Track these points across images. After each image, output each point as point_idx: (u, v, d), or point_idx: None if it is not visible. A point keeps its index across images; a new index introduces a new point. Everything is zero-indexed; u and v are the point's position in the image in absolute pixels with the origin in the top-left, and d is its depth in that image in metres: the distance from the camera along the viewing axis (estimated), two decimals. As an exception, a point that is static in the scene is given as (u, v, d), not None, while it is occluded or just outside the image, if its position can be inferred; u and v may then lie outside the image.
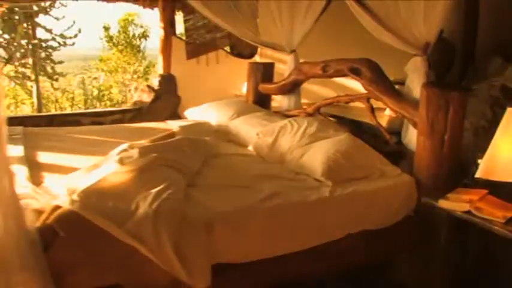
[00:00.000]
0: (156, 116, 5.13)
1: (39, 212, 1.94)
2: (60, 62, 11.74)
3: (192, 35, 5.96)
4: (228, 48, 6.17)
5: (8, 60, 10.87)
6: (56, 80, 10.77)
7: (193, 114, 4.35)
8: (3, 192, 1.64)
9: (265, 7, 4.71)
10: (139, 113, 5.54)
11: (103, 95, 11.68)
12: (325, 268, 2.57)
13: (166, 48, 5.87)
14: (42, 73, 11.14)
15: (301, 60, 4.25)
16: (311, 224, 2.44)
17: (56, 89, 11.01)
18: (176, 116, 5.40)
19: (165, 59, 5.85)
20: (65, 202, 1.92)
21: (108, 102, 11.56)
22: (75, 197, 1.94)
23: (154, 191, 2.03)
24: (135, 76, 12.53)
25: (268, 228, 2.27)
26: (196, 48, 5.93)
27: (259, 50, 5.78)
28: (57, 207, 1.91)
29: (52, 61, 11.44)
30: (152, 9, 6.42)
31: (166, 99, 5.62)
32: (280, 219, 2.33)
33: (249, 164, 2.98)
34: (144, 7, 6.30)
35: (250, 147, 3.36)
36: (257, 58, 5.91)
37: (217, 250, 2.07)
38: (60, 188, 2.27)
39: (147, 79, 13.13)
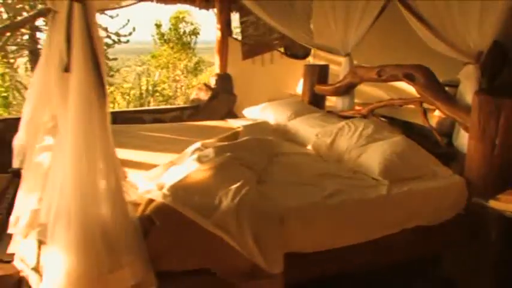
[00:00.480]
0: (212, 114, 5.42)
1: (134, 204, 2.24)
2: (115, 59, 12.19)
3: (247, 36, 6.21)
4: (282, 49, 6.40)
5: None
6: (112, 76, 11.19)
7: (252, 113, 4.62)
8: (111, 187, 1.93)
9: (319, 9, 4.91)
10: (196, 110, 5.84)
11: (156, 91, 12.08)
12: (381, 260, 2.79)
13: (223, 48, 6.15)
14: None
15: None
16: (370, 219, 2.67)
17: (111, 85, 11.45)
18: (232, 114, 5.68)
19: (221, 59, 6.13)
20: (158, 196, 2.21)
21: (160, 98, 11.95)
22: (165, 191, 2.23)
23: (233, 187, 2.31)
24: (185, 72, 12.89)
25: (332, 222, 2.52)
26: (252, 48, 6.17)
27: (312, 51, 5.98)
28: (151, 200, 2.21)
29: (107, 58, 11.89)
30: (207, 10, 6.69)
31: (223, 97, 5.89)
32: (342, 214, 2.57)
33: (309, 163, 3.22)
34: (200, 8, 6.56)
35: (309, 147, 3.59)
36: (310, 59, 6.11)
37: (288, 240, 2.33)
38: (144, 182, 2.57)
39: (196, 75, 13.50)
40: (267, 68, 6.19)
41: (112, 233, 1.91)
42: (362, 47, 4.51)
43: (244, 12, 6.08)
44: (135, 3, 3.39)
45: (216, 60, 6.20)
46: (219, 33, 6.16)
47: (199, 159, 2.59)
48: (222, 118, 4.91)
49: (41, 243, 2.01)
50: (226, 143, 3.00)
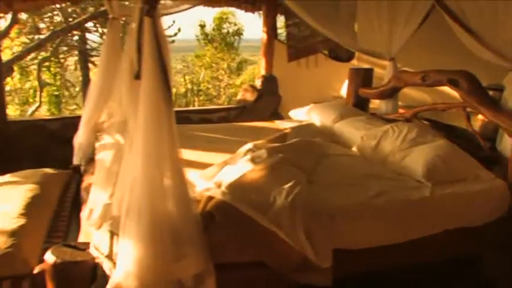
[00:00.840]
0: (258, 115, 5.60)
1: (194, 201, 2.43)
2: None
3: (293, 38, 6.37)
4: (326, 52, 6.53)
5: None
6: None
7: (298, 115, 4.78)
8: (176, 184, 2.13)
9: (364, 13, 5.02)
10: (243, 111, 6.03)
11: (199, 90, 12.36)
12: (422, 259, 2.91)
13: (269, 50, 6.33)
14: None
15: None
16: (413, 220, 2.79)
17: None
18: (277, 114, 5.86)
19: (267, 61, 6.31)
20: (217, 194, 2.40)
21: (204, 97, 12.22)
22: (224, 189, 2.42)
23: (286, 186, 2.47)
24: (227, 72, 13.12)
25: (377, 221, 2.66)
26: (297, 51, 6.34)
27: (356, 54, 6.10)
28: (211, 197, 2.40)
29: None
30: (253, 13, 6.87)
31: (268, 98, 6.08)
32: (387, 213, 2.71)
33: (355, 164, 3.36)
34: (246, 11, 6.74)
35: (354, 148, 3.73)
36: (355, 62, 6.23)
37: (337, 237, 2.49)
38: (200, 181, 2.77)
39: (239, 75, 13.71)
40: (312, 70, 6.34)
41: (177, 227, 2.10)
42: (405, 50, 4.61)
43: (289, 15, 6.24)
44: (190, 7, 3.59)
45: (262, 62, 6.38)
46: (265, 36, 6.33)
47: (253, 160, 2.76)
48: (267, 119, 5.08)
49: (113, 234, 2.22)
50: (277, 144, 3.17)
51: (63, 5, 9.68)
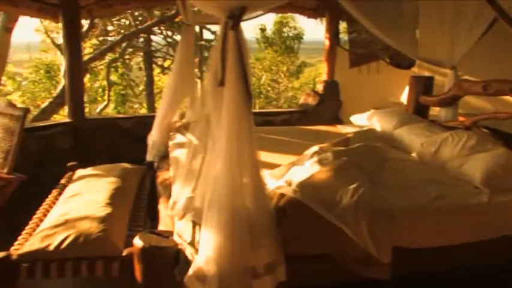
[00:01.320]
0: (319, 119, 5.79)
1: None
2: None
3: (355, 45, 6.53)
4: (387, 59, 6.64)
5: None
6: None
7: (358, 120, 4.95)
8: (254, 182, 2.37)
9: (426, 21, 5.13)
10: (304, 115, 6.24)
11: (260, 93, 12.63)
12: (478, 261, 3.04)
13: (331, 56, 6.51)
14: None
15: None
16: (470, 224, 2.94)
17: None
18: (338, 119, 6.03)
19: (329, 66, 6.50)
20: (288, 191, 2.63)
21: (263, 100, 12.48)
22: (295, 187, 2.64)
23: (351, 187, 2.68)
24: (287, 75, 13.33)
25: (435, 223, 2.83)
26: (359, 58, 6.49)
27: (417, 61, 6.19)
28: (283, 194, 2.63)
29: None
30: (316, 19, 7.05)
31: (330, 103, 6.25)
32: (445, 217, 2.86)
33: (414, 169, 3.51)
34: (309, 17, 6.93)
35: (414, 154, 3.87)
36: (415, 69, 6.32)
37: (397, 236, 2.68)
38: (270, 179, 3.00)
39: (298, 78, 13.91)
40: (373, 76, 6.47)
41: (253, 219, 2.34)
42: (467, 59, 4.69)
43: (352, 21, 6.38)
44: (260, 15, 3.82)
45: (324, 67, 6.57)
46: (327, 42, 6.52)
47: (320, 162, 2.97)
48: (329, 123, 5.26)
49: (195, 223, 2.48)
50: (341, 148, 3.36)
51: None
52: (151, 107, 12.46)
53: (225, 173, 2.30)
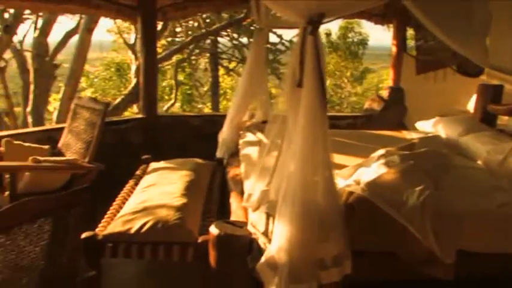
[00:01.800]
0: (384, 124, 5.84)
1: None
2: (284, 64, 12.97)
3: (422, 52, 6.54)
4: (455, 66, 6.61)
5: (242, 61, 12.41)
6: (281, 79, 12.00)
7: (424, 127, 5.00)
8: (326, 178, 2.51)
9: (497, 28, 5.09)
10: (369, 119, 6.30)
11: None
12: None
13: (397, 63, 6.55)
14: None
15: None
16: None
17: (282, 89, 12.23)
18: (402, 125, 6.06)
19: (395, 72, 6.53)
20: (357, 189, 2.76)
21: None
22: (363, 186, 2.77)
23: (417, 189, 2.77)
24: (350, 80, 13.36)
25: (499, 230, 2.88)
26: (426, 65, 6.50)
27: (486, 69, 6.13)
28: (351, 192, 2.76)
29: (279, 63, 12.73)
30: (383, 25, 7.10)
31: (395, 109, 6.30)
32: (509, 224, 2.91)
33: (480, 176, 3.55)
34: (376, 23, 6.98)
35: (479, 162, 3.91)
36: (484, 77, 6.26)
37: (461, 238, 2.75)
38: (338, 179, 3.13)
39: (361, 83, 13.90)
40: (439, 83, 6.45)
41: (324, 214, 2.48)
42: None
43: (420, 28, 6.39)
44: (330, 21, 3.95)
45: (390, 73, 6.61)
46: (394, 48, 6.56)
47: (387, 164, 3.08)
48: (393, 129, 5.32)
49: (269, 215, 2.65)
50: (407, 152, 3.45)
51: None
52: (216, 107, 12.78)
53: (299, 170, 2.45)
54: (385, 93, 6.52)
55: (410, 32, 6.95)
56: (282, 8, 2.89)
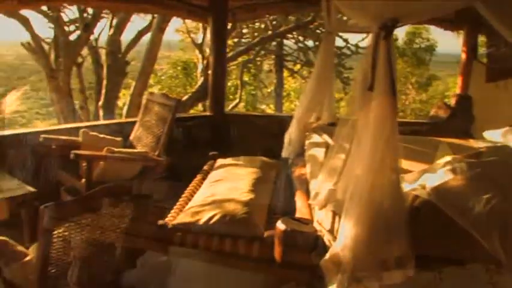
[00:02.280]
0: (450, 132, 5.76)
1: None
2: (350, 69, 12.93)
3: (494, 60, 6.42)
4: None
5: (307, 63, 12.50)
6: (349, 84, 11.99)
7: (492, 136, 4.92)
8: (393, 181, 2.57)
9: None
10: (435, 127, 6.23)
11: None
12: None
13: (466, 70, 6.46)
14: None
15: None
16: None
17: (346, 94, 12.22)
18: (469, 134, 5.97)
19: (463, 80, 6.45)
20: (423, 194, 2.79)
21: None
22: (429, 191, 2.80)
23: (484, 197, 2.77)
24: (415, 86, 13.17)
25: None
26: (497, 72, 6.37)
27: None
28: (417, 196, 2.79)
29: (343, 67, 12.71)
30: (453, 31, 7.00)
31: (462, 117, 6.20)
32: None
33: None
34: (445, 29, 6.90)
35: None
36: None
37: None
38: (404, 183, 3.17)
39: (426, 90, 13.68)
40: (510, 92, 6.31)
41: (389, 215, 2.54)
42: None
43: (492, 35, 6.28)
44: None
45: (458, 81, 6.53)
46: (463, 55, 6.48)
47: (454, 171, 3.08)
48: (459, 137, 5.26)
49: (335, 213, 2.73)
50: (474, 160, 3.44)
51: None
52: (279, 109, 12.90)
53: (367, 172, 2.52)
54: (452, 101, 6.44)
55: (481, 38, 6.83)
56: (356, 13, 2.96)
